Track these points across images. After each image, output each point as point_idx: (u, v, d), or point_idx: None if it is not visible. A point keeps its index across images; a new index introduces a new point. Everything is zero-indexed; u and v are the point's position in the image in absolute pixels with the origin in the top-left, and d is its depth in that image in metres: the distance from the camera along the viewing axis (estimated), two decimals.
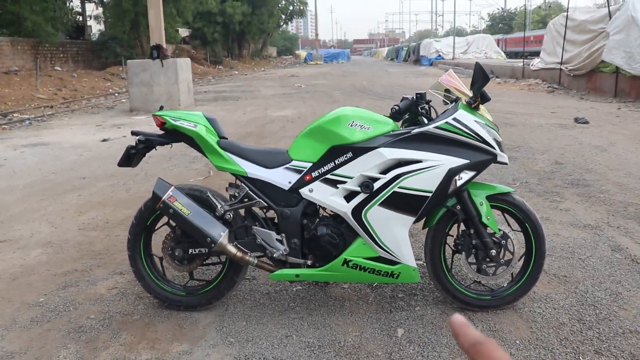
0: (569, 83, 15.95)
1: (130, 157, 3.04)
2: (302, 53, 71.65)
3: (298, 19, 61.16)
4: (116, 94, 18.83)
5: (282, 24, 55.62)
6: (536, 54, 23.17)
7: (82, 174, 6.67)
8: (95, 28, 32.43)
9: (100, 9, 28.15)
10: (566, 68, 15.84)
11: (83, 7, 30.32)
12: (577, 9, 20.70)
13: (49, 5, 22.42)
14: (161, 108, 3.12)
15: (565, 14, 16.60)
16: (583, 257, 3.72)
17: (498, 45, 41.68)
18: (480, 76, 2.72)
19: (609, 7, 13.98)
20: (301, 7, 53.33)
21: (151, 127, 3.30)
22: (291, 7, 52.15)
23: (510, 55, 40.29)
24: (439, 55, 38.54)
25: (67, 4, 27.09)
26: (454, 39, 39.27)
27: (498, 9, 74.39)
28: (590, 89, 14.61)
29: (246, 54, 48.46)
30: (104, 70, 24.10)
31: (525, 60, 21.58)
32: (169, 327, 2.94)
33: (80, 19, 29.80)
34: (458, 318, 0.49)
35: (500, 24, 69.96)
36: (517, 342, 2.69)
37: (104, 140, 9.13)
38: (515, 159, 6.65)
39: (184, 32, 37.10)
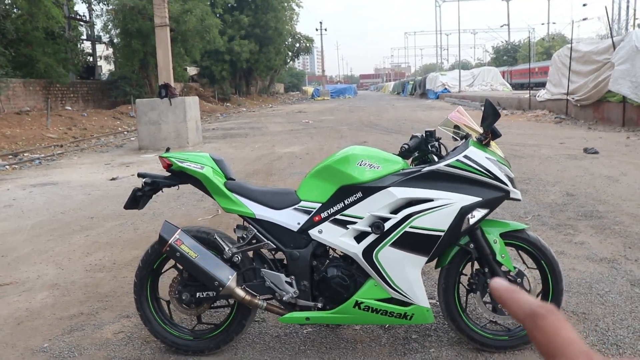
0: (576, 113, 15.94)
1: (137, 199, 3.01)
2: (309, 89, 72.49)
3: (305, 55, 62.00)
4: (125, 133, 19.01)
5: (289, 60, 56.29)
6: (542, 85, 23.30)
7: (90, 213, 6.65)
8: (105, 68, 33.08)
9: (110, 50, 28.70)
10: (573, 98, 15.85)
11: (94, 48, 30.97)
12: (580, 40, 20.87)
13: (61, 47, 22.95)
14: (167, 150, 3.10)
15: (569, 45, 16.71)
16: (601, 292, 3.61)
17: (503, 77, 42.01)
18: (490, 112, 2.68)
19: (612, 38, 14.05)
20: (307, 44, 54.04)
21: (160, 165, 3.28)
22: (298, 45, 52.87)
23: (515, 86, 40.55)
24: (445, 89, 38.79)
25: (79, 46, 27.69)
26: (460, 72, 39.54)
27: (502, 42, 75.06)
28: (598, 119, 14.58)
29: (254, 91, 49.01)
30: (113, 109, 24.43)
31: (531, 92, 21.65)
32: None
33: (91, 59, 30.43)
34: (499, 283, 0.41)
35: (505, 56, 70.52)
36: None
37: (113, 179, 9.15)
38: (526, 192, 6.57)
39: (192, 70, 37.70)
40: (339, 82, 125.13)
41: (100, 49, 31.03)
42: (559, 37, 64.17)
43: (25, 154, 13.11)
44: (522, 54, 62.75)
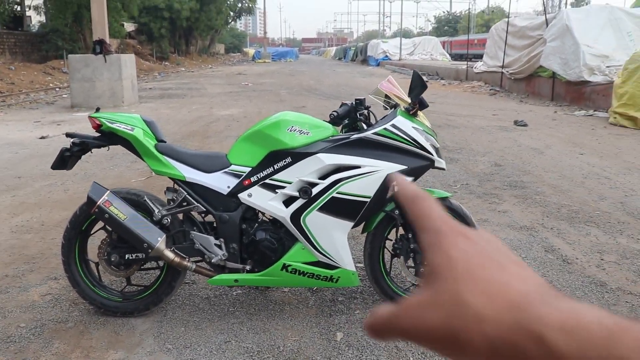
0: (509, 86, 16.46)
1: (65, 160, 2.94)
2: (251, 51, 71.45)
3: (247, 16, 60.82)
4: (57, 89, 18.19)
5: (230, 21, 55.02)
6: (479, 56, 23.79)
7: (17, 173, 6.41)
8: (35, 19, 31.25)
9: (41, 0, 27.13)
10: (507, 72, 16.34)
11: None
12: (517, 15, 21.41)
13: None
14: (97, 110, 3.03)
15: (506, 19, 17.13)
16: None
17: (443, 47, 42.64)
18: (418, 83, 2.77)
19: (545, 15, 14.50)
20: (250, 5, 52.94)
21: None
22: (240, 5, 51.68)
23: (455, 57, 41.24)
24: (386, 56, 39.05)
25: None
26: (401, 40, 39.88)
27: (444, 12, 76.02)
28: (530, 93, 15.12)
29: (193, 51, 47.69)
30: (44, 63, 23.20)
31: (469, 63, 22.11)
32: (104, 334, 2.87)
33: (19, 8, 28.62)
34: (401, 180, 0.40)
35: (446, 26, 71.53)
36: None
37: (43, 137, 8.81)
38: (456, 161, 6.81)
39: (129, 26, 36.20)
40: (281, 45, 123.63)
41: None
42: (499, 10, 65.53)
43: None
44: (463, 25, 63.73)
